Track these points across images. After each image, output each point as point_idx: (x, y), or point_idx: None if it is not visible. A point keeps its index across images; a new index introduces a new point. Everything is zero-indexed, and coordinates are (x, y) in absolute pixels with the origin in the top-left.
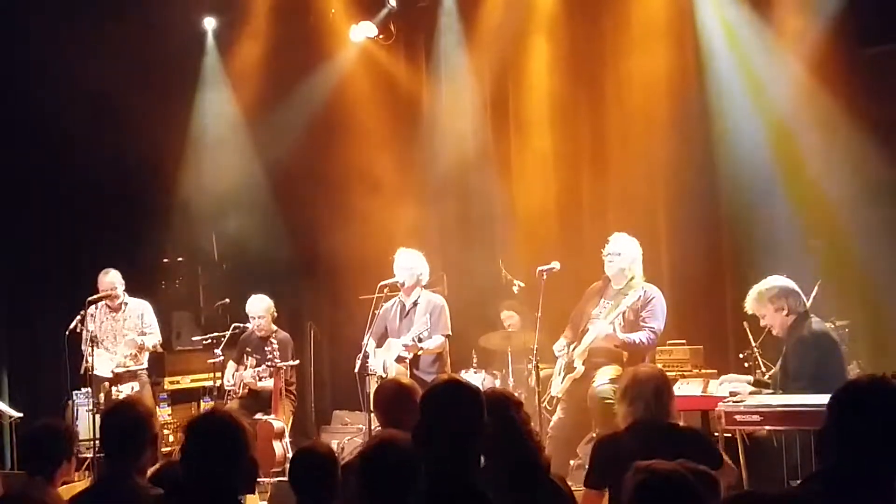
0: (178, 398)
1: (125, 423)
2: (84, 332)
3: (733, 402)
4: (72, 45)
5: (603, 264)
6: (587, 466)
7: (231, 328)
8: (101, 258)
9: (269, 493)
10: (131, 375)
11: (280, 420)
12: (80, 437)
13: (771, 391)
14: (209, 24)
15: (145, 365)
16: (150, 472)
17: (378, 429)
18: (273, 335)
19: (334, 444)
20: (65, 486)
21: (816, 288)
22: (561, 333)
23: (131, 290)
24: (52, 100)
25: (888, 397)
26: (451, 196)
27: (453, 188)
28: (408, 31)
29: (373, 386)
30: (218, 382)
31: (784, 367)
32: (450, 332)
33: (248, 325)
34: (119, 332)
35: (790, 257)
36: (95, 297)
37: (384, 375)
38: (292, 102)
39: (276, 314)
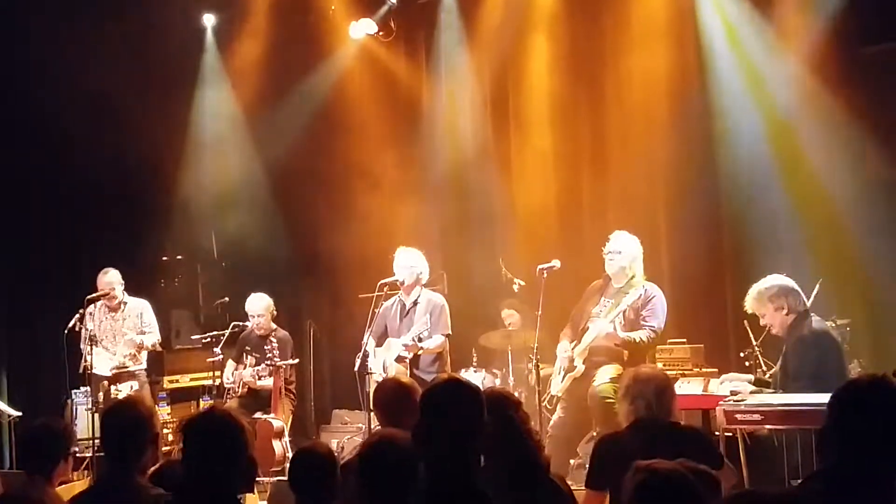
0: (178, 397)
1: (125, 423)
2: (83, 331)
3: (734, 401)
4: (71, 44)
5: (603, 263)
6: (588, 466)
7: (230, 327)
8: (100, 257)
9: (268, 493)
10: (130, 375)
11: (279, 419)
12: (80, 437)
13: (772, 390)
14: (208, 21)
15: (144, 365)
16: (150, 471)
17: (378, 428)
18: (272, 334)
19: (334, 444)
20: (64, 486)
21: (817, 287)
22: (561, 332)
23: (130, 288)
24: (52, 99)
25: (889, 397)
26: (451, 194)
27: (453, 186)
28: (408, 29)
29: (372, 385)
30: (217, 381)
31: (784, 367)
32: (450, 332)
33: (247, 323)
34: (118, 331)
35: (790, 256)
36: (94, 295)
37: (384, 375)
38: (292, 100)
39: (275, 313)
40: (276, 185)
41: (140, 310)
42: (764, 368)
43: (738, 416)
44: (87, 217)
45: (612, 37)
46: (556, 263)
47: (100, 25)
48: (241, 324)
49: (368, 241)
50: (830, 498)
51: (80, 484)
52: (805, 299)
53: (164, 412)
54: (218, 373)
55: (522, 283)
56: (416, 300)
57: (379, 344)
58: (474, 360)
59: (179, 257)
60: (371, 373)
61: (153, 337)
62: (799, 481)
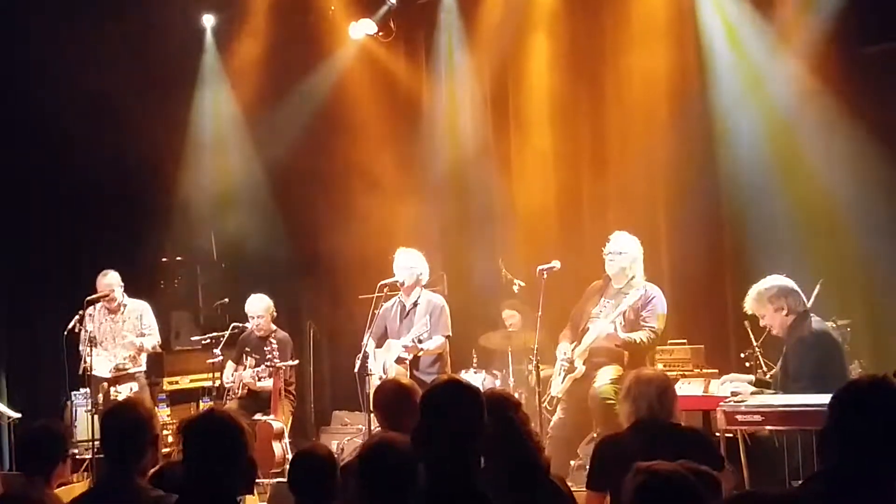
0: (177, 398)
1: (125, 425)
2: (82, 333)
3: (734, 401)
4: (71, 44)
5: (603, 263)
6: (588, 467)
7: (230, 328)
8: (100, 258)
9: (268, 494)
10: (129, 377)
11: (279, 420)
12: (79, 438)
13: (772, 391)
14: (208, 21)
15: (144, 366)
16: (150, 473)
17: (378, 429)
18: (272, 335)
19: (334, 445)
20: (64, 488)
21: (818, 287)
22: (561, 333)
23: (130, 289)
24: (52, 99)
25: (889, 397)
26: (451, 195)
27: (453, 187)
28: (407, 29)
29: (372, 386)
30: (217, 383)
31: (784, 367)
32: (450, 333)
33: (247, 324)
34: (118, 333)
35: (791, 256)
36: (94, 297)
37: (384, 376)
38: (291, 100)
39: (275, 314)
40: (275, 185)
41: (140, 312)
42: (764, 369)
43: (739, 417)
44: (87, 217)
45: (612, 36)
46: (556, 264)
47: (100, 26)
48: (240, 325)
49: (368, 241)
50: (831, 499)
51: (79, 486)
52: (805, 300)
53: (163, 414)
54: (218, 374)
55: (522, 283)
56: (416, 301)
57: (379, 345)
58: (474, 361)
59: (179, 258)
60: (371, 374)
61: (153, 339)
62: (800, 482)
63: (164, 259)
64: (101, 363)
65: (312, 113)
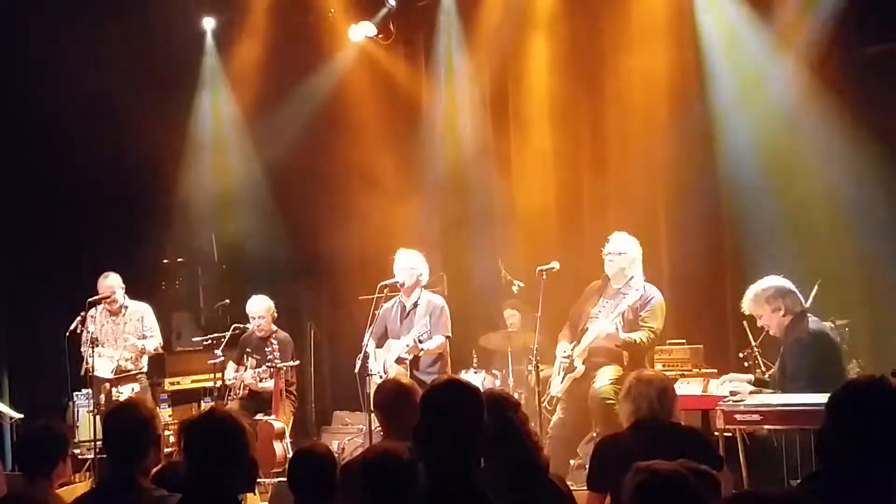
0: (179, 399)
1: (127, 425)
2: (84, 334)
3: (733, 401)
4: (72, 45)
5: (603, 263)
6: (588, 467)
7: (231, 329)
8: (101, 259)
9: (269, 494)
10: (131, 377)
11: (280, 421)
12: (81, 439)
13: (771, 390)
14: (208, 23)
15: (145, 367)
16: (152, 472)
17: (378, 429)
18: (273, 335)
19: (335, 445)
20: (66, 488)
21: (816, 287)
22: (560, 333)
23: (131, 291)
24: (53, 100)
25: (887, 398)
26: (451, 195)
27: (453, 187)
28: (407, 31)
29: (373, 386)
30: (218, 383)
31: (782, 368)
32: (449, 334)
33: (248, 325)
34: (119, 335)
35: (790, 256)
36: (95, 298)
37: (384, 376)
38: (291, 102)
39: (276, 314)
40: (276, 186)
41: (141, 314)
42: (763, 369)
43: (738, 417)
44: (87, 218)
45: (611, 37)
46: (556, 265)
47: (100, 27)
48: (241, 326)
49: (368, 242)
50: (830, 499)
51: (81, 486)
52: (802, 300)
53: (165, 414)
54: (219, 375)
55: (522, 284)
56: (417, 302)
57: (379, 345)
58: (474, 361)
59: (180, 259)
60: (371, 374)
61: (154, 341)
62: (798, 481)
63: (165, 260)
64: (102, 364)
65: (312, 114)
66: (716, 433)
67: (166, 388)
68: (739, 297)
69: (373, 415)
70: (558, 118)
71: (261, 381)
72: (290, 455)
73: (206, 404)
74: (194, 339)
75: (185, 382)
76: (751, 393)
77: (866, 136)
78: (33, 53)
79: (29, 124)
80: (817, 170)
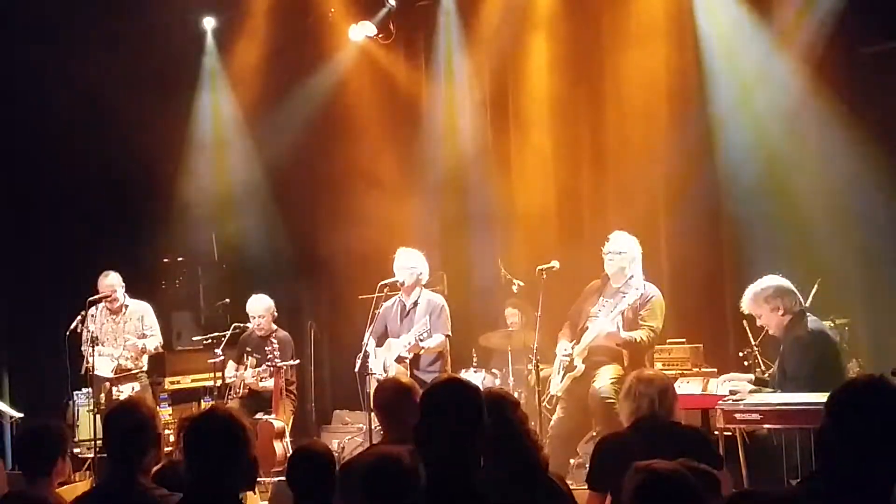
0: (179, 398)
1: (128, 424)
2: (84, 333)
3: (733, 400)
4: (72, 45)
5: (603, 263)
6: (589, 466)
7: (231, 328)
8: (101, 258)
9: (269, 493)
10: (131, 377)
11: (280, 420)
12: (81, 438)
13: (770, 390)
14: (208, 23)
15: (145, 366)
16: (152, 471)
17: (378, 428)
18: (273, 335)
19: (335, 444)
20: (66, 487)
21: (815, 286)
22: (559, 332)
23: (131, 290)
24: (52, 99)
25: (886, 397)
26: (451, 195)
27: (453, 187)
28: (407, 31)
29: (373, 385)
30: (218, 382)
31: (781, 367)
32: (449, 333)
33: (248, 324)
34: (119, 334)
35: (789, 255)
36: (96, 297)
37: (384, 375)
38: (292, 102)
39: (276, 314)
40: (276, 186)
41: (141, 313)
42: (763, 368)
43: (738, 416)
44: (87, 218)
45: (611, 36)
46: (556, 264)
47: (99, 26)
48: (241, 325)
49: (368, 241)
50: (829, 498)
51: (82, 485)
52: (801, 299)
53: (165, 413)
54: (219, 374)
55: (521, 283)
56: (417, 301)
57: (379, 344)
58: (474, 360)
59: (180, 259)
60: (372, 373)
61: (155, 341)
62: (798, 481)
63: (165, 259)
64: (102, 363)
65: (312, 114)
66: (715, 432)
67: (166, 387)
68: (739, 296)
69: (373, 414)
70: (558, 118)
71: (261, 380)
72: (290, 454)
73: (206, 403)
74: (194, 339)
75: (186, 382)
76: (750, 392)
77: (866, 135)
78: (34, 54)
79: (29, 125)
80: (817, 169)
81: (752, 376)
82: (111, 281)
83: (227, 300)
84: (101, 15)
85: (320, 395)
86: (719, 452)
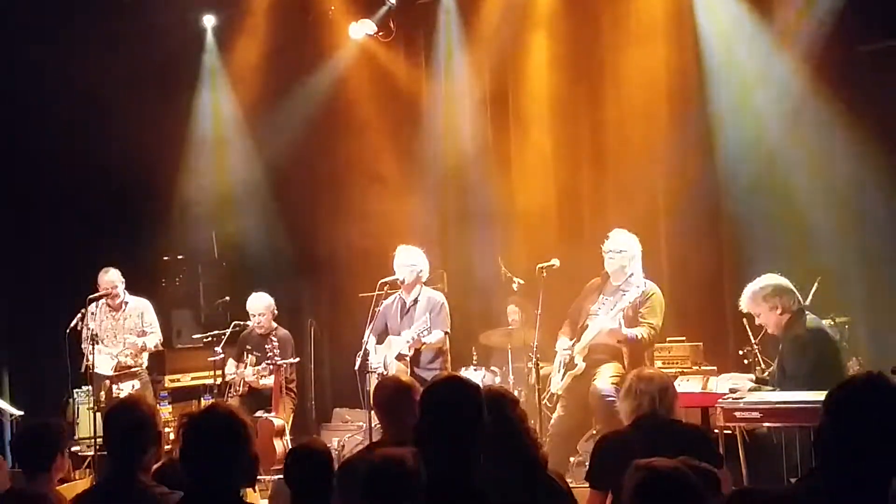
0: (179, 396)
1: (128, 422)
2: (84, 330)
3: (733, 398)
4: (71, 44)
5: (603, 261)
6: (589, 465)
7: (231, 326)
8: (101, 257)
9: (269, 491)
10: (131, 374)
11: (280, 418)
12: (81, 436)
13: (770, 388)
14: (208, 21)
15: (145, 364)
16: (152, 469)
17: (378, 426)
18: (273, 333)
19: (335, 442)
20: (66, 485)
21: (815, 285)
22: (560, 330)
23: (132, 288)
24: (52, 97)
25: (884, 395)
26: (451, 193)
27: (453, 185)
28: (407, 29)
29: (373, 383)
30: (218, 380)
31: (781, 366)
32: (448, 329)
33: (248, 322)
34: (119, 330)
35: (789, 254)
36: (96, 294)
37: (384, 371)
38: (292, 100)
39: (276, 312)
40: (276, 184)
41: (141, 310)
42: (763, 366)
43: (737, 414)
44: (87, 217)
45: (611, 35)
46: (556, 262)
47: (99, 25)
48: (241, 323)
49: (369, 239)
50: (829, 496)
51: (82, 483)
52: (800, 298)
53: (165, 411)
54: (219, 372)
55: (522, 281)
56: (417, 298)
57: (379, 342)
58: (474, 358)
59: (180, 257)
60: (372, 371)
61: (155, 338)
62: (798, 479)
63: (165, 258)
64: (102, 361)
65: (313, 112)
66: (715, 431)
67: (166, 385)
68: (739, 294)
69: (373, 412)
70: (558, 116)
71: (261, 378)
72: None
73: (206, 401)
74: (194, 337)
75: (186, 379)
76: (750, 390)
77: (865, 133)
78: (33, 54)
79: (29, 124)
80: (817, 168)
81: (752, 376)
82: (111, 277)
83: (228, 298)
84: (101, 15)
85: (320, 394)
86: (719, 451)
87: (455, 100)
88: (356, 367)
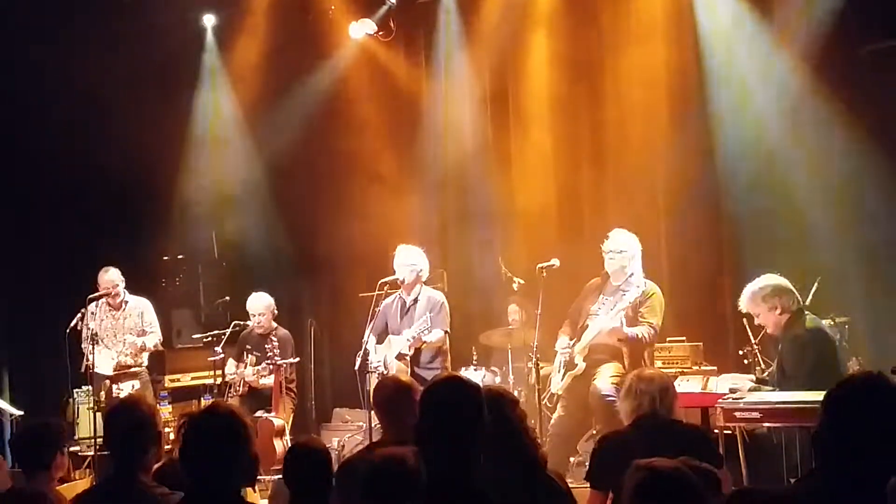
0: (179, 396)
1: (128, 422)
2: (84, 330)
3: (733, 398)
4: (71, 44)
5: (603, 261)
6: (589, 465)
7: (231, 326)
8: (101, 256)
9: (269, 491)
10: (131, 374)
11: (280, 418)
12: (81, 436)
13: (770, 388)
14: (208, 21)
15: (145, 363)
16: (153, 469)
17: (378, 426)
18: (273, 333)
19: (335, 442)
20: (66, 485)
21: (815, 285)
22: (560, 329)
23: (132, 288)
24: (52, 97)
25: (883, 395)
26: (451, 192)
27: (453, 184)
28: (407, 28)
29: (373, 383)
30: (218, 380)
31: (780, 366)
32: (448, 329)
33: (248, 322)
34: (119, 330)
35: (789, 254)
36: (96, 294)
37: (384, 371)
38: (292, 99)
39: (276, 312)
40: (276, 184)
41: (141, 309)
42: (762, 366)
43: (737, 414)
44: (87, 217)
45: (610, 33)
46: (556, 262)
47: (99, 24)
48: (241, 323)
49: (369, 239)
50: (828, 496)
51: (82, 483)
52: (799, 298)
53: (165, 411)
54: (219, 371)
55: (522, 281)
56: (417, 298)
57: (379, 342)
58: (474, 358)
59: (180, 257)
60: (372, 371)
61: (154, 337)
62: (797, 479)
63: (165, 258)
64: (102, 360)
65: (313, 112)
66: (715, 431)
67: (166, 384)
68: (739, 294)
69: (373, 412)
70: (558, 115)
71: (261, 378)
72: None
73: (206, 401)
74: (194, 336)
75: (186, 379)
76: (750, 390)
77: (865, 133)
78: (33, 53)
79: (29, 124)
80: (816, 167)
81: (752, 376)
82: (112, 276)
83: (228, 298)
84: (101, 15)
85: (320, 393)
86: (719, 451)
87: (455, 99)
88: (356, 367)
